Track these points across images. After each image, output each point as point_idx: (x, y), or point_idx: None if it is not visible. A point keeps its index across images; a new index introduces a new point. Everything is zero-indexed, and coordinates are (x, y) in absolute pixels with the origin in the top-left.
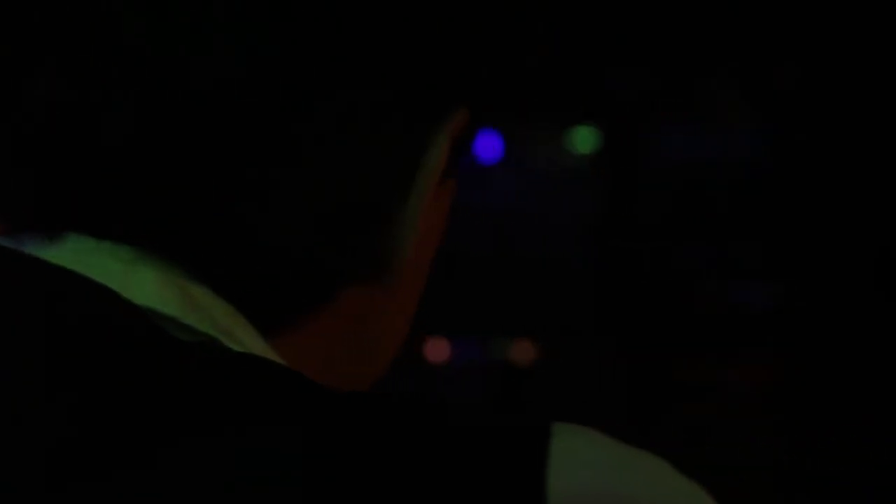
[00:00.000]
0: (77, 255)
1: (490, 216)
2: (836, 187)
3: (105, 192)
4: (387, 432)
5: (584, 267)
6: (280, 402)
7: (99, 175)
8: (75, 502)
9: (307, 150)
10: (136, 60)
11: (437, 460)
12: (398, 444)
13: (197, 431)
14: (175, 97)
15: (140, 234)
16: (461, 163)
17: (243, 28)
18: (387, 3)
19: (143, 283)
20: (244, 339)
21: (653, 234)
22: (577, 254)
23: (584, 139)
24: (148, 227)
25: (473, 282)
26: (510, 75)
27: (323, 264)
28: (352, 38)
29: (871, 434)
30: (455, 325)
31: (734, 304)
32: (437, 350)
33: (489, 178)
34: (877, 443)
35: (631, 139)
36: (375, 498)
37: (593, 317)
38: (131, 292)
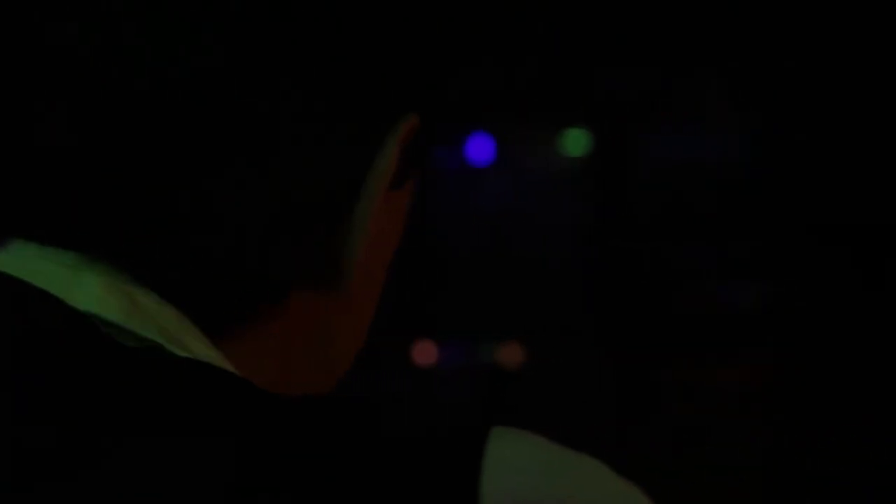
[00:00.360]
0: (20, 261)
1: (481, 218)
2: (826, 187)
3: (49, 198)
4: (322, 442)
5: (575, 269)
6: (217, 408)
7: (42, 180)
8: (43, 502)
9: (254, 153)
10: (73, 64)
11: (371, 468)
12: (333, 454)
13: (131, 439)
14: (118, 101)
15: (85, 240)
16: (415, 167)
17: (189, 30)
18: (336, 9)
19: (87, 289)
20: (191, 344)
21: (644, 235)
22: (569, 255)
23: (576, 141)
24: (93, 232)
25: (462, 284)
26: (494, 80)
27: (271, 266)
28: (302, 41)
29: (865, 434)
30: (443, 327)
31: (725, 305)
32: (425, 353)
33: (481, 180)
34: (871, 442)
35: (623, 141)
36: None
37: (584, 318)
38: (75, 298)
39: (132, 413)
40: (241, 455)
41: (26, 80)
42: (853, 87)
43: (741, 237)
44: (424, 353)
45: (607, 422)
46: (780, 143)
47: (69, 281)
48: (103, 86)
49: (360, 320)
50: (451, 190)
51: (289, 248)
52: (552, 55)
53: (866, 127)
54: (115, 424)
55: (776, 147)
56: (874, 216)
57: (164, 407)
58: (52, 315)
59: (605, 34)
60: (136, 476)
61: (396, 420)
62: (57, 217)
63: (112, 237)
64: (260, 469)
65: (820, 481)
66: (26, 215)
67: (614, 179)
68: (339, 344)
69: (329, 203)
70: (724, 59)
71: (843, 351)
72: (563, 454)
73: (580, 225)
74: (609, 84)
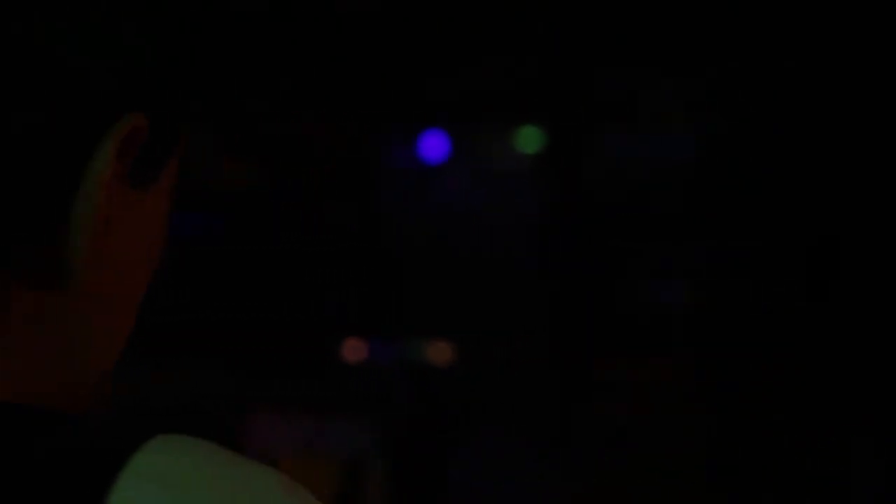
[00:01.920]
0: None
1: (434, 216)
2: (765, 189)
3: None
4: None
5: (525, 267)
6: None
7: None
8: None
9: None
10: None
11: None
12: None
13: None
14: None
15: None
16: (159, 166)
17: None
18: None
19: None
20: None
21: (593, 233)
22: (519, 254)
23: (530, 139)
24: None
25: (413, 282)
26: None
27: None
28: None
29: (801, 426)
30: (394, 325)
31: (659, 304)
32: (354, 351)
33: (435, 178)
34: (808, 434)
35: (575, 140)
36: None
37: (531, 316)
38: None
39: None
40: None
41: None
42: (806, 93)
43: (677, 237)
44: (354, 350)
45: (548, 419)
46: (730, 146)
47: None
48: None
49: (109, 321)
50: (405, 188)
51: None
52: (508, 54)
53: (817, 132)
54: None
55: (726, 149)
56: (820, 219)
57: None
58: None
59: (564, 34)
60: None
61: (67, 431)
62: None
63: None
64: None
65: (759, 475)
66: None
67: (566, 178)
68: (90, 346)
69: (43, 200)
70: (681, 61)
71: (773, 349)
72: (229, 467)
73: (532, 224)
74: (567, 82)
